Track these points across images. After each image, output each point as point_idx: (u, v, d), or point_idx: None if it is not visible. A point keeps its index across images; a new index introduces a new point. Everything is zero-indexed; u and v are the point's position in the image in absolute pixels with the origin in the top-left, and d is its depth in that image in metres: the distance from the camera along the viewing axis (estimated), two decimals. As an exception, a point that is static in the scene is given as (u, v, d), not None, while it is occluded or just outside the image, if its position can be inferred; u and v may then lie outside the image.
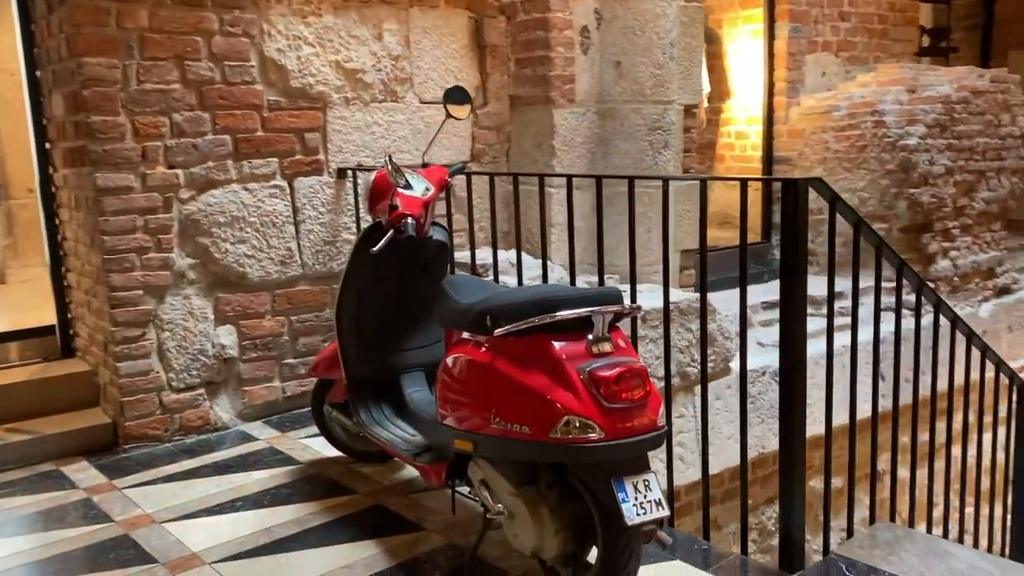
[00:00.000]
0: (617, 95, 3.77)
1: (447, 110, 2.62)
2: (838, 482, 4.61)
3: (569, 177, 2.84)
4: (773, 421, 3.75)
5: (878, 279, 2.63)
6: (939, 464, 3.67)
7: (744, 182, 2.34)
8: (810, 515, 4.93)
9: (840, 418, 2.55)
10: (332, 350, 2.72)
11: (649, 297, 3.57)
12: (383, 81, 3.50)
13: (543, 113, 3.74)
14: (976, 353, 3.47)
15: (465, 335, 2.06)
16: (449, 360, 2.07)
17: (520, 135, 3.86)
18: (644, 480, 1.80)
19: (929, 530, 3.41)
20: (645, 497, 1.78)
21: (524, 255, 3.38)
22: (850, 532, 2.60)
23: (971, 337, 3.27)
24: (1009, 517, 4.34)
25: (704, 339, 2.65)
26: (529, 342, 1.86)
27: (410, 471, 2.79)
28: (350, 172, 3.44)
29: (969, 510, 3.90)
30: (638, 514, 1.74)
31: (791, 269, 2.16)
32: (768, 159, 5.23)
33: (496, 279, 3.02)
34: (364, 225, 3.49)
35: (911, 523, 2.89)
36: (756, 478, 4.26)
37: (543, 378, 1.81)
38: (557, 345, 1.83)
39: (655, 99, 3.76)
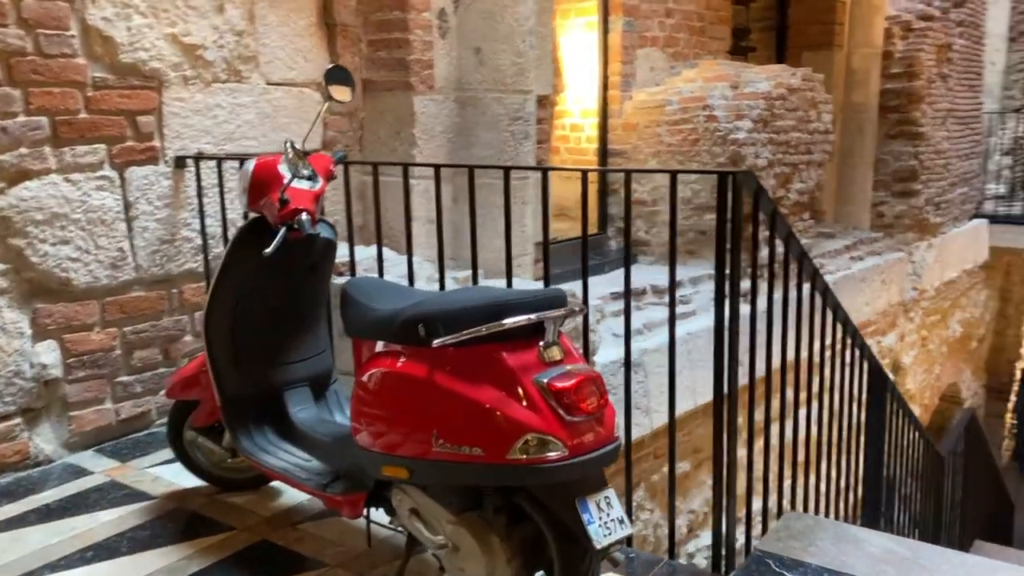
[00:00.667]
0: (478, 83, 3.60)
1: (328, 92, 2.34)
2: (684, 465, 4.77)
3: (437, 167, 2.68)
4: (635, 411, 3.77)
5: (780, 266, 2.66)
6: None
7: (673, 175, 2.26)
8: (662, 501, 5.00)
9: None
10: (194, 367, 2.36)
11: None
12: (225, 59, 3.12)
13: (402, 100, 3.51)
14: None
15: (388, 347, 1.83)
16: (369, 376, 1.82)
17: (375, 122, 3.60)
18: (605, 497, 1.67)
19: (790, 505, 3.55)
20: (608, 516, 1.65)
21: (387, 251, 3.15)
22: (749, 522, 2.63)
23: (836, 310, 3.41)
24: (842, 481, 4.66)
25: (586, 332, 2.61)
26: (475, 353, 1.67)
27: (289, 498, 2.49)
28: (190, 161, 3.03)
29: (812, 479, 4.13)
30: (605, 535, 1.61)
31: (721, 262, 2.12)
32: (603, 152, 5.29)
33: (411, 281, 2.77)
34: (209, 221, 3.10)
35: (766, 502, 2.97)
36: (619, 468, 4.29)
37: (495, 392, 1.63)
38: (508, 355, 1.65)
39: (516, 88, 3.64)
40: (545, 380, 1.61)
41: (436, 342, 1.67)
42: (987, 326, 10.14)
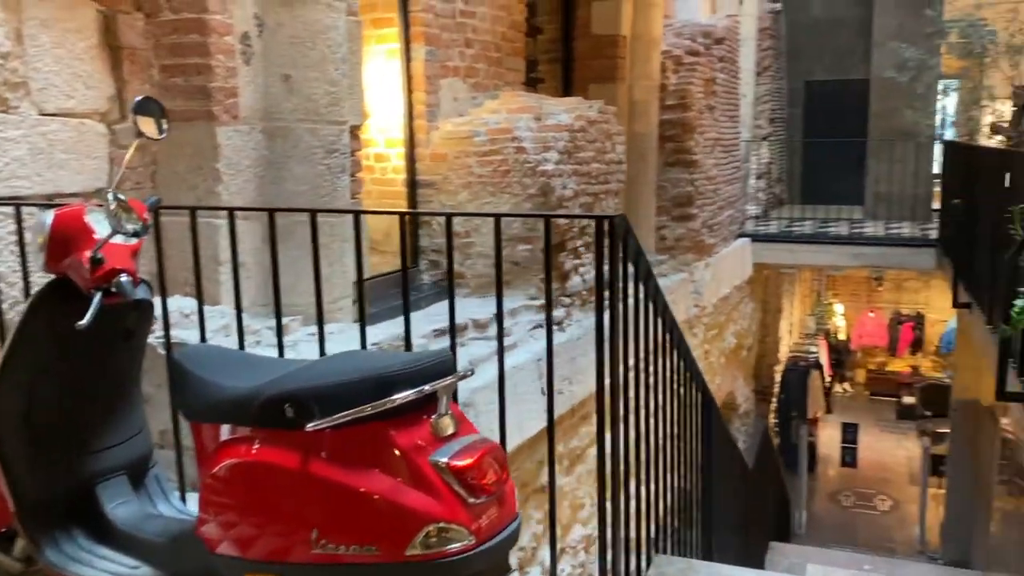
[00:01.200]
0: (288, 113, 3.32)
1: (137, 126, 2.01)
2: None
3: (230, 211, 2.42)
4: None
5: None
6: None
7: (497, 220, 2.14)
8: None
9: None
10: (-28, 461, 1.92)
11: (342, 339, 3.21)
12: (-12, 85, 2.63)
13: (203, 131, 3.15)
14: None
15: (242, 430, 1.56)
16: (224, 468, 1.54)
17: (172, 156, 3.20)
18: None
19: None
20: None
21: (186, 300, 2.81)
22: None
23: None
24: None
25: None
26: (356, 434, 1.45)
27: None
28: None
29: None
30: None
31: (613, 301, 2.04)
32: (412, 183, 5.13)
33: (241, 341, 2.44)
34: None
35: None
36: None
37: (386, 479, 1.42)
38: (397, 433, 1.45)
39: (330, 119, 3.40)
40: (443, 460, 1.43)
41: (310, 426, 1.43)
42: (753, 335, 11.04)
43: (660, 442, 3.45)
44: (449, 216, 2.64)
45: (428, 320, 4.67)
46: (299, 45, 3.29)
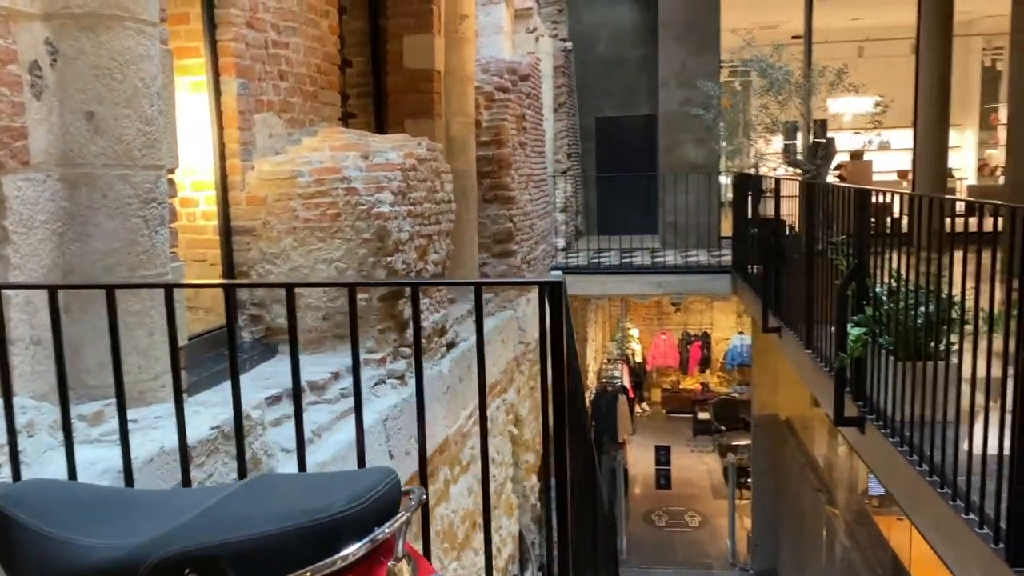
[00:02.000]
0: (94, 157, 2.78)
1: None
2: None
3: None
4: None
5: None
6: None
7: (352, 290, 1.83)
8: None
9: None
10: None
11: (165, 433, 2.71)
12: None
13: (-16, 181, 2.54)
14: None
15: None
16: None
17: (-59, 213, 2.56)
18: None
19: None
20: None
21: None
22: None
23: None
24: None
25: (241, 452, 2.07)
26: (292, 602, 1.07)
27: None
28: None
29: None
30: None
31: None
32: (226, 229, 4.59)
33: (70, 458, 1.90)
34: None
35: None
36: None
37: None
38: (349, 597, 1.09)
39: (146, 163, 2.89)
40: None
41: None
42: (567, 366, 11.15)
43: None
44: (290, 288, 2.29)
45: (256, 385, 4.16)
46: (105, 77, 2.76)
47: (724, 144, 9.50)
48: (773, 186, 7.21)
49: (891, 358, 3.81)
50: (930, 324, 3.67)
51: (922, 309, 3.72)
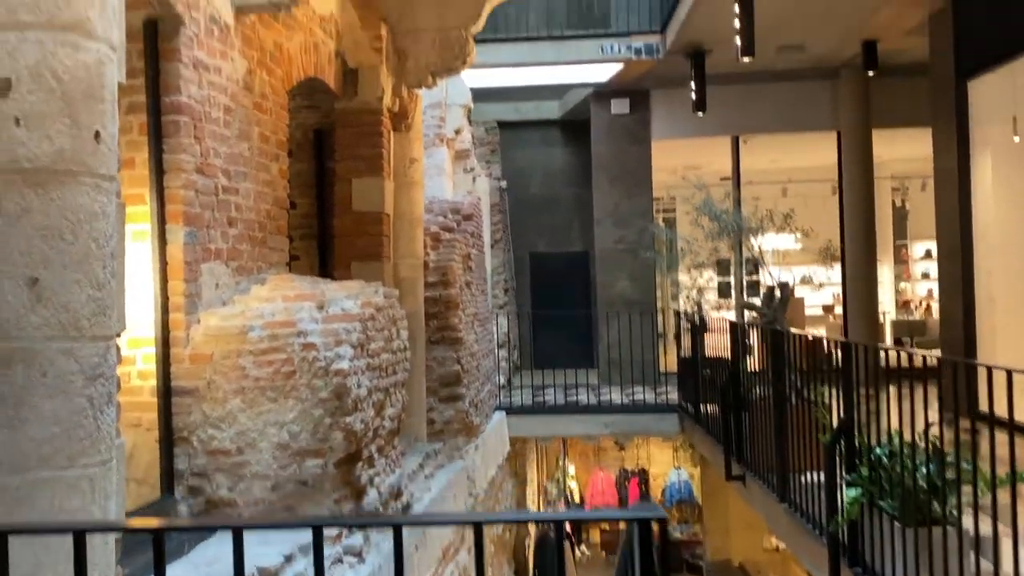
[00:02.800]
0: (34, 330, 2.40)
1: None
2: None
3: None
4: None
5: None
6: None
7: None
8: None
9: None
10: None
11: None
12: None
13: (-101, 363, 2.14)
14: None
15: None
16: None
17: None
18: None
19: None
20: None
21: None
22: None
23: None
24: None
25: None
26: None
27: None
28: None
29: None
30: None
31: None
32: (166, 391, 4.16)
33: None
34: None
35: None
36: None
37: None
38: None
39: (95, 333, 2.52)
40: None
41: None
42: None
43: None
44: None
45: (198, 573, 3.65)
46: (54, 238, 2.42)
47: (672, 281, 9.52)
48: (725, 328, 7.16)
49: (895, 523, 3.60)
50: (934, 486, 3.49)
51: (923, 470, 3.54)
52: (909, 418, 3.63)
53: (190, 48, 4.30)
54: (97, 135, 2.54)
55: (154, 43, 4.22)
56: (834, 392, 4.47)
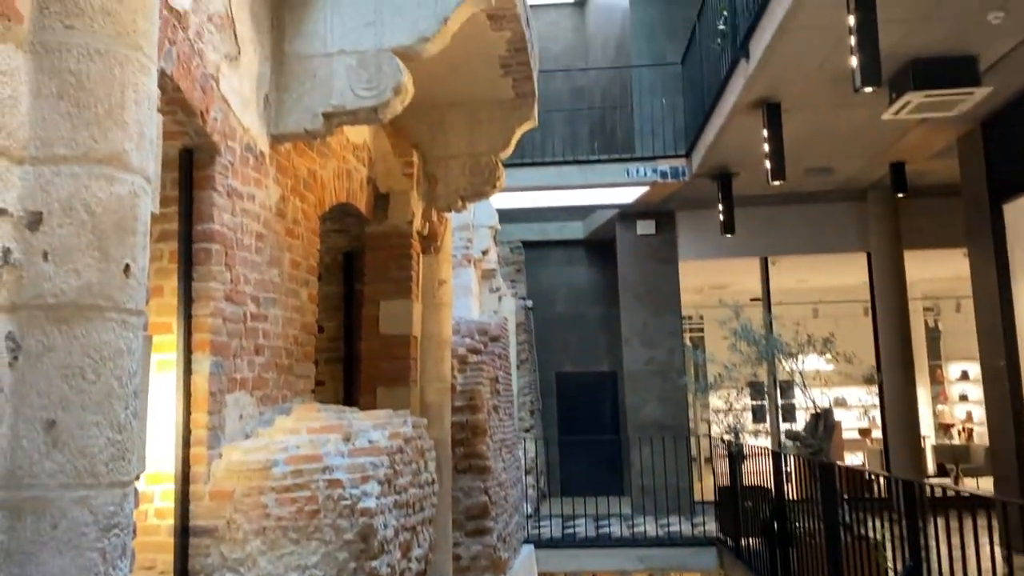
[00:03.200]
0: (48, 476, 2.23)
1: None
2: None
3: None
4: None
5: None
6: None
7: None
8: None
9: None
10: None
11: None
12: None
13: (-101, 518, 1.96)
14: None
15: None
16: None
17: None
18: None
19: None
20: None
21: None
22: None
23: None
24: None
25: None
26: None
27: None
28: None
29: None
30: None
31: None
32: (184, 530, 3.93)
33: None
34: None
35: None
36: None
37: None
38: None
39: (113, 479, 2.34)
40: None
41: None
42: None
43: None
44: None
45: None
46: (75, 378, 2.28)
47: (702, 404, 9.24)
48: (766, 453, 6.83)
49: None
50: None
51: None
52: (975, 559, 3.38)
53: (225, 176, 4.29)
54: (127, 268, 2.44)
55: (189, 171, 4.21)
56: (888, 527, 4.17)
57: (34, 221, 2.30)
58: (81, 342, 2.32)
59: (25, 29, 2.33)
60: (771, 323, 8.99)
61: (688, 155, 11.14)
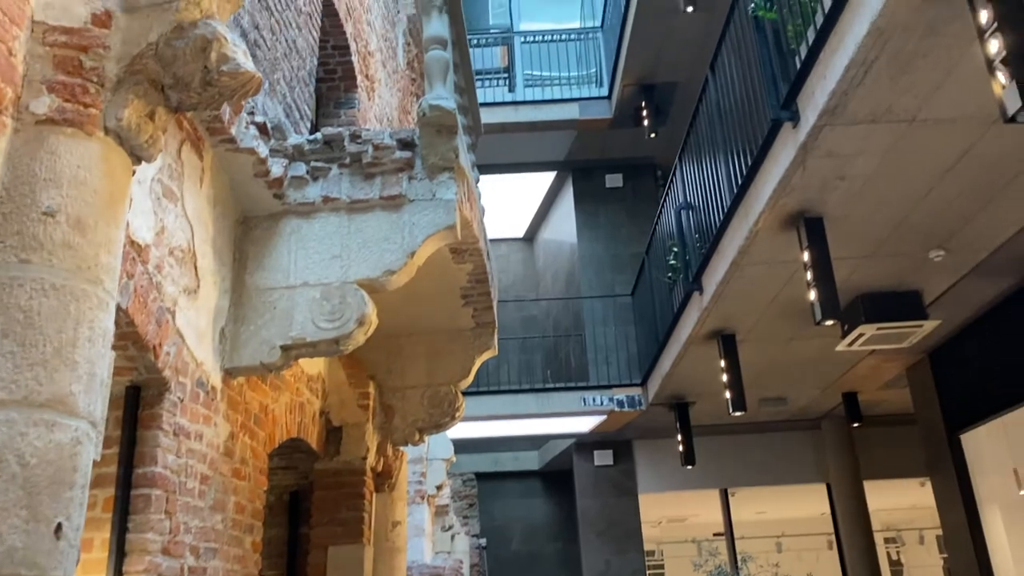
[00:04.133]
0: None
1: None
2: None
3: None
4: None
5: None
6: None
7: None
8: None
9: None
10: None
11: None
12: None
13: None
14: None
15: None
16: None
17: None
18: None
19: None
20: None
21: None
22: None
23: None
24: None
25: None
26: None
27: None
28: None
29: None
30: None
31: None
32: None
33: None
34: None
35: None
36: None
37: None
38: None
39: None
40: None
41: None
42: None
43: None
44: None
45: None
46: None
47: None
48: None
49: None
50: None
51: None
52: None
53: (173, 414, 3.99)
54: (59, 529, 2.10)
55: (135, 410, 3.91)
56: None
57: (-47, 478, 1.99)
58: None
59: (-26, 264, 2.15)
60: (735, 558, 8.51)
61: (644, 384, 11.13)
